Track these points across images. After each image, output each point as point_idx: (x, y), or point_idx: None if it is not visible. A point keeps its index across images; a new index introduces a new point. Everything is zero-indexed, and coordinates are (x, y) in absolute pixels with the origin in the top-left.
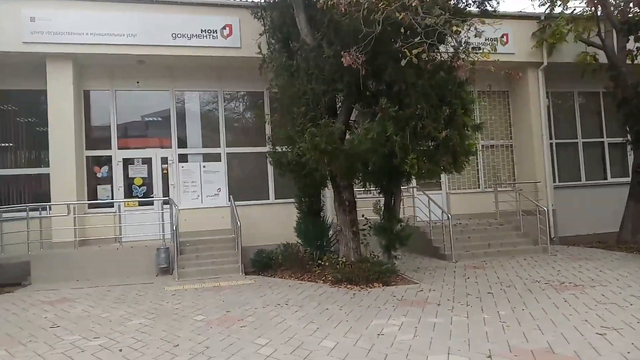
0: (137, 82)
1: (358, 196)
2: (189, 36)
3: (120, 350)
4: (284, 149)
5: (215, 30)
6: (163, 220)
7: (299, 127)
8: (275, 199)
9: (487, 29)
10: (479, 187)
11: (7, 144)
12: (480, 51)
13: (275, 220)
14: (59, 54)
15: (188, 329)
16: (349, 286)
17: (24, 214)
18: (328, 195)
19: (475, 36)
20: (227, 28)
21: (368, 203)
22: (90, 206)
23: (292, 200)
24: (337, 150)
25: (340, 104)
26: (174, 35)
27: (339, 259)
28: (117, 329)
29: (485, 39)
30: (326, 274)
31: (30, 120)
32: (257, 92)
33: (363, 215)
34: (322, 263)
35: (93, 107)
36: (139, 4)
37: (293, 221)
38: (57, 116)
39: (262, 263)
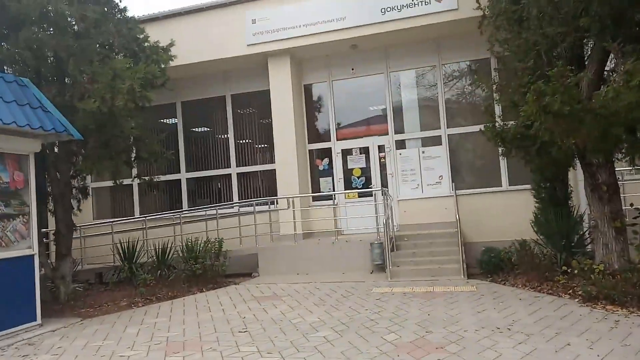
0: (352, 70)
1: (622, 178)
2: (399, 8)
3: None
4: (509, 124)
5: None
6: (377, 213)
7: (525, 88)
8: (510, 185)
9: None
10: None
11: (245, 142)
12: None
13: (509, 212)
14: (278, 51)
15: (370, 353)
16: (608, 307)
17: (257, 208)
18: (579, 177)
19: None
20: None
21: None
22: (314, 199)
23: (529, 186)
24: (580, 111)
25: (588, 51)
26: (383, 10)
27: (595, 266)
28: (299, 341)
29: None
30: (574, 286)
31: (262, 121)
32: (481, 59)
33: (632, 205)
34: (570, 270)
35: (313, 101)
36: None
37: (531, 213)
38: (279, 113)
39: (491, 264)
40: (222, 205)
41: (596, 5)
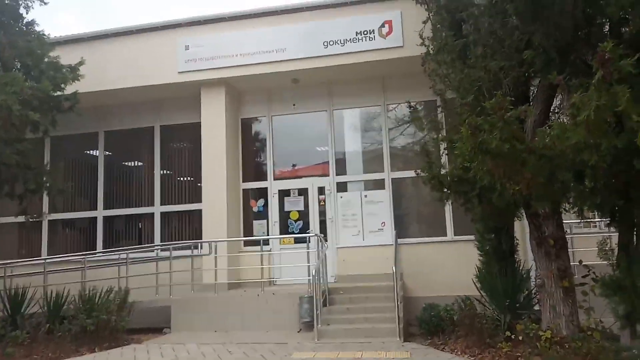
0: (294, 105)
1: (571, 231)
2: (342, 42)
3: None
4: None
5: (372, 30)
6: (309, 262)
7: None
8: (455, 235)
9: None
10: None
11: (172, 179)
12: None
13: (455, 264)
14: (212, 80)
15: None
16: None
17: (177, 252)
18: (526, 229)
19: None
20: (387, 25)
21: (589, 241)
22: (246, 244)
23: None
24: (522, 151)
25: (534, 91)
26: (325, 44)
27: (541, 332)
28: None
29: None
30: (519, 356)
31: (193, 156)
32: (429, 101)
33: (580, 262)
34: (514, 336)
35: (250, 136)
36: (287, 15)
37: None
38: (209, 147)
39: (431, 324)
40: (134, 248)
41: (540, 37)
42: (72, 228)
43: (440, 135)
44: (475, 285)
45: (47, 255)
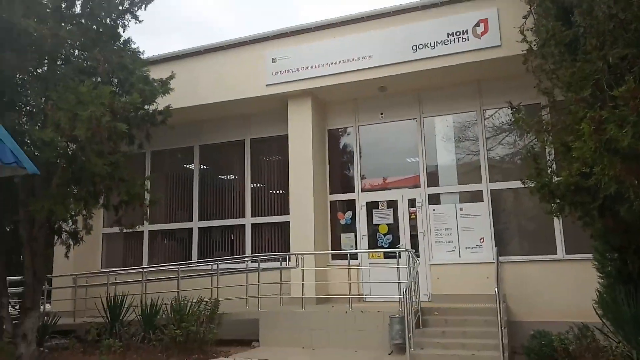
0: (381, 114)
1: None
2: (432, 45)
3: None
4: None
5: (466, 31)
6: (400, 279)
7: (579, 125)
8: (567, 253)
9: None
10: None
11: (262, 191)
12: None
13: (566, 286)
14: (298, 92)
15: None
16: None
17: (266, 264)
18: None
19: None
20: (481, 24)
21: None
22: (334, 257)
23: (592, 256)
24: None
25: None
26: (414, 48)
27: None
28: None
29: None
30: None
31: (282, 168)
32: (531, 104)
33: None
34: None
35: (337, 147)
36: (373, 21)
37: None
38: (297, 159)
39: (542, 354)
40: (224, 259)
41: None
42: (172, 239)
43: (549, 137)
44: (596, 312)
45: (147, 265)
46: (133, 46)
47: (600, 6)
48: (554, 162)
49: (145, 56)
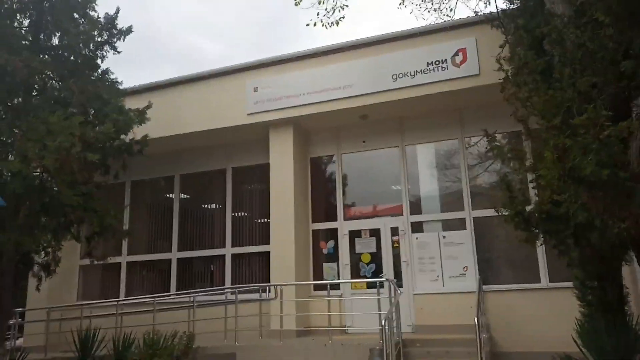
0: (363, 142)
1: None
2: (412, 74)
3: None
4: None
5: (445, 60)
6: (380, 310)
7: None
8: (550, 282)
9: None
10: None
11: (243, 221)
12: None
13: (549, 315)
14: (280, 121)
15: None
16: None
17: (245, 296)
18: (639, 275)
19: None
20: (460, 53)
21: None
22: (316, 288)
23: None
24: (625, 179)
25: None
26: (394, 77)
27: None
28: None
29: None
30: None
31: (264, 198)
32: (512, 132)
33: None
34: None
35: (319, 176)
36: (353, 51)
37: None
38: (277, 187)
39: None
40: (200, 291)
41: None
42: (151, 270)
43: (524, 164)
44: (575, 342)
45: (124, 297)
46: (112, 76)
47: (569, 35)
48: (528, 190)
49: (125, 86)
